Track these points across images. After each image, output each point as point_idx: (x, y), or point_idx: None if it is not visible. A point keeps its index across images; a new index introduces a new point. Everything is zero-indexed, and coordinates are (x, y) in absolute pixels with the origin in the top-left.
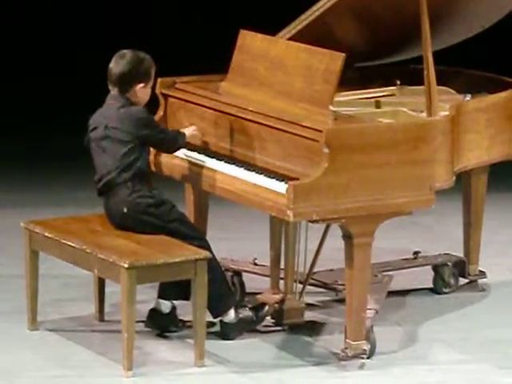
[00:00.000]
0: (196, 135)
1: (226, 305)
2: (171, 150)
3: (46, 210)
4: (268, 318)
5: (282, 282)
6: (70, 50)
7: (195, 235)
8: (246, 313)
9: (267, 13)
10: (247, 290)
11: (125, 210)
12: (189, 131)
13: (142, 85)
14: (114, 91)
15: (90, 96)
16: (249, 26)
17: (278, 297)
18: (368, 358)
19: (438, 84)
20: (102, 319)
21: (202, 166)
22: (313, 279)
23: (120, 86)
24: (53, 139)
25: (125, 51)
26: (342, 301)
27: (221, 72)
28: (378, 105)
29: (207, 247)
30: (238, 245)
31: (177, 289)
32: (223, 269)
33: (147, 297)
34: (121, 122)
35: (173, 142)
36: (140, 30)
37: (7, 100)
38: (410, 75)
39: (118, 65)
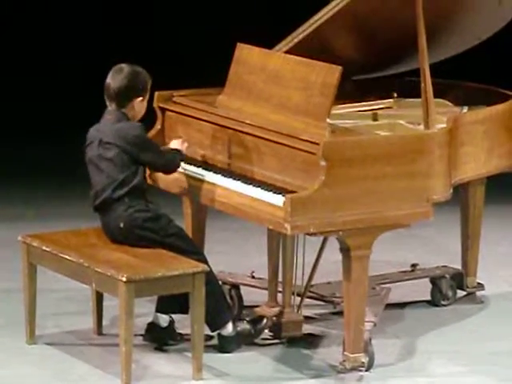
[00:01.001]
0: (186, 147)
1: (223, 318)
2: (168, 171)
3: (44, 224)
4: (266, 331)
5: (279, 295)
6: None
7: (192, 249)
8: (244, 326)
9: (264, 26)
10: (245, 303)
11: (121, 225)
12: (180, 146)
13: (140, 99)
14: (111, 106)
15: (92, 109)
16: (246, 40)
17: (275, 310)
18: (366, 370)
19: (435, 96)
20: (100, 333)
21: (199, 180)
22: (311, 292)
23: (118, 100)
24: (51, 153)
25: (122, 65)
26: (340, 313)
27: (218, 85)
28: (375, 117)
29: (204, 261)
30: (235, 258)
31: (175, 302)
32: (221, 282)
33: (146, 310)
34: (115, 137)
35: (170, 164)
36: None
37: (6, 114)
38: (407, 88)
39: (115, 80)
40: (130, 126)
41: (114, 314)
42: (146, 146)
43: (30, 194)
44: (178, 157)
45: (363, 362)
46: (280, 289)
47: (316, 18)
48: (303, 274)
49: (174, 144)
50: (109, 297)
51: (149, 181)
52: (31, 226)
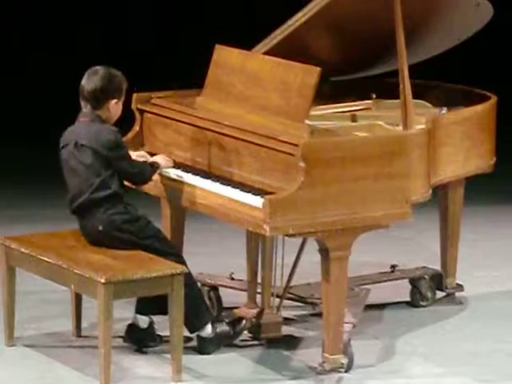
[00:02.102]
0: (169, 166)
1: (202, 320)
2: (137, 182)
3: (22, 226)
4: (245, 332)
5: (259, 296)
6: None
7: (171, 251)
8: (223, 327)
9: (242, 27)
10: (224, 305)
11: (100, 228)
12: (163, 162)
13: (115, 101)
14: (86, 108)
15: (64, 110)
16: (224, 41)
17: (255, 311)
18: (346, 371)
19: (414, 97)
20: (79, 335)
21: (177, 181)
22: (290, 293)
23: (93, 102)
24: (26, 154)
25: (97, 67)
26: (319, 315)
27: (196, 87)
28: (353, 118)
29: (183, 263)
30: (214, 259)
31: (154, 304)
32: (200, 283)
33: (126, 312)
34: (90, 140)
35: (139, 175)
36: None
37: None
38: (386, 89)
39: (90, 81)
40: (106, 129)
41: (93, 316)
42: (120, 152)
43: (10, 194)
44: (148, 170)
45: (342, 364)
46: (259, 290)
47: (294, 19)
48: (282, 276)
49: (159, 158)
50: (88, 299)
51: (127, 183)
52: (9, 228)
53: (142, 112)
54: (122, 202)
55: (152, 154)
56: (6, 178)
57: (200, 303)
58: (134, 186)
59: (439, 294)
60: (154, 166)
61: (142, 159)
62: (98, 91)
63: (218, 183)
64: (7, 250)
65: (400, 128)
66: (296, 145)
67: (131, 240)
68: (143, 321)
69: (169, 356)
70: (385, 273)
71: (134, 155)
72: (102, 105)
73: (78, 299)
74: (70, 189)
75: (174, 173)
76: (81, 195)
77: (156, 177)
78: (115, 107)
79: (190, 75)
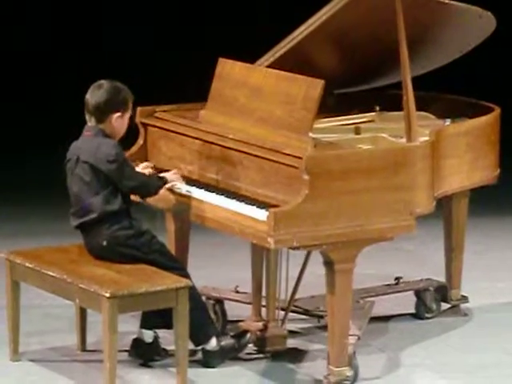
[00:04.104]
0: (180, 179)
1: (207, 333)
2: (141, 195)
3: (27, 241)
4: (250, 345)
5: (263, 309)
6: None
7: (175, 266)
8: (228, 340)
9: (246, 40)
10: (229, 318)
11: (104, 244)
12: (174, 178)
13: (118, 114)
14: (90, 122)
15: (69, 125)
16: (227, 54)
17: (260, 324)
18: None
19: (418, 109)
20: (84, 349)
21: (182, 195)
22: (295, 306)
23: (96, 115)
24: (31, 169)
25: (102, 81)
26: (324, 327)
27: (200, 100)
28: (357, 131)
29: (187, 277)
30: (219, 273)
31: (159, 318)
32: (205, 297)
33: (131, 326)
34: (90, 155)
35: (142, 189)
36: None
37: None
38: (390, 101)
39: (94, 94)
40: (106, 143)
41: (98, 330)
42: (119, 166)
43: (15, 209)
44: (153, 183)
45: (348, 376)
46: (264, 303)
47: (298, 32)
48: (287, 288)
49: (170, 174)
50: (93, 313)
51: (132, 196)
52: (14, 242)
53: (145, 126)
54: (127, 217)
55: (162, 170)
56: (9, 191)
57: (205, 317)
58: (140, 200)
59: (444, 306)
60: (162, 180)
61: (146, 171)
62: (102, 104)
63: (222, 196)
64: (12, 264)
65: (404, 140)
66: (300, 157)
67: (136, 255)
68: (148, 335)
69: (174, 370)
70: (389, 285)
71: (140, 167)
72: (106, 118)
73: (82, 313)
74: (74, 204)
75: (178, 186)
76: (82, 214)
77: (162, 191)
78: (119, 121)
79: (193, 89)
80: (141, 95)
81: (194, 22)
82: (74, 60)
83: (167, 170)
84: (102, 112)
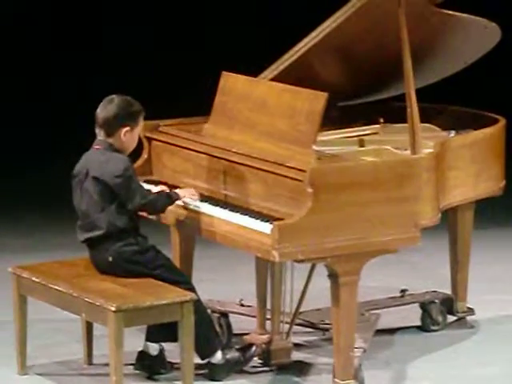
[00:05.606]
0: (195, 199)
1: (212, 346)
2: (147, 212)
3: (33, 255)
4: (255, 358)
5: (268, 322)
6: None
7: (180, 279)
8: (234, 354)
9: (249, 54)
10: (234, 331)
11: (110, 259)
12: (188, 195)
13: (127, 128)
14: (100, 135)
15: (69, 125)
16: (230, 68)
17: (265, 337)
18: None
19: (422, 121)
20: (90, 363)
21: (186, 209)
22: (300, 319)
23: (105, 128)
24: (38, 183)
25: (113, 96)
26: (329, 340)
27: (203, 114)
28: (361, 143)
29: (192, 290)
30: (224, 286)
31: (164, 331)
32: (210, 310)
33: (137, 339)
34: (98, 170)
35: (148, 206)
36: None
37: None
38: (394, 113)
39: (105, 108)
40: (115, 158)
41: (104, 344)
42: (126, 181)
43: (17, 223)
44: (161, 201)
45: None
46: (269, 316)
47: (301, 45)
48: (292, 301)
49: (184, 191)
50: (99, 326)
51: (139, 212)
52: (21, 257)
53: (149, 140)
54: (133, 234)
55: (174, 186)
56: (16, 206)
57: (210, 330)
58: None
59: (450, 318)
60: (172, 197)
61: (157, 189)
62: (111, 118)
63: (226, 210)
64: (18, 278)
65: (408, 152)
66: (304, 170)
67: (141, 271)
68: (154, 348)
69: (180, 383)
70: (395, 297)
71: (181, 190)
72: (115, 132)
73: (89, 327)
74: (80, 218)
75: (182, 200)
76: (90, 227)
77: (171, 206)
78: (128, 136)
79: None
80: (141, 95)
81: (194, 22)
82: (74, 60)
83: (177, 186)
84: (111, 126)
